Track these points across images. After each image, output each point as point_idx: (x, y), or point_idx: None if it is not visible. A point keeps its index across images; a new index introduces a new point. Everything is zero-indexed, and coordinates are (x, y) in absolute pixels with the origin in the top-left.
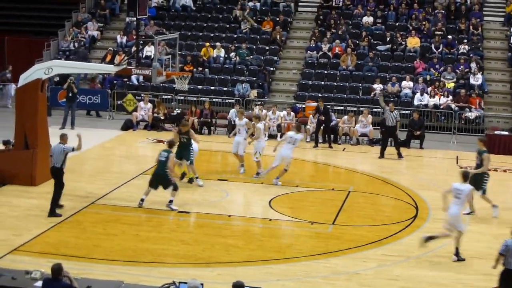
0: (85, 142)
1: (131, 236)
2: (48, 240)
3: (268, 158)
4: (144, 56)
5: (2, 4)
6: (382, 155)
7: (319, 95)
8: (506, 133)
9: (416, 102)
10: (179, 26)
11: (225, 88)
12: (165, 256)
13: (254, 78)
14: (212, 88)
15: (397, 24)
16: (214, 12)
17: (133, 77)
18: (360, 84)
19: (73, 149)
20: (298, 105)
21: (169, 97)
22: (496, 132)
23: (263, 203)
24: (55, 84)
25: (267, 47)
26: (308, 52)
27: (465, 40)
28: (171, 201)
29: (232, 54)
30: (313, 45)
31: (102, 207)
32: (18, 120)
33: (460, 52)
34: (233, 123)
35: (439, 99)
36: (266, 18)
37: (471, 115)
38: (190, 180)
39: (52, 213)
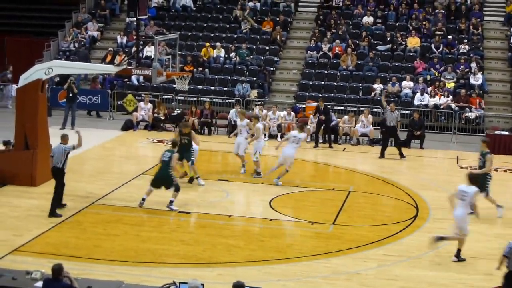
0: (85, 142)
1: (131, 237)
2: (48, 241)
3: (268, 158)
4: (144, 56)
5: (3, 5)
6: (382, 155)
7: (319, 95)
8: (506, 133)
9: (416, 102)
10: (179, 26)
11: (225, 88)
12: (166, 256)
13: (254, 78)
14: (212, 88)
15: (397, 24)
16: (214, 12)
17: (133, 78)
18: (360, 84)
19: (73, 147)
20: (298, 105)
21: (169, 97)
22: (496, 132)
23: (264, 203)
24: (56, 84)
25: (267, 47)
26: (308, 52)
27: (465, 40)
28: (171, 202)
29: (232, 54)
30: (313, 45)
31: (103, 208)
32: (18, 121)
33: (460, 52)
34: (233, 123)
35: (439, 99)
36: (266, 18)
37: (471, 115)
38: (190, 180)
39: (52, 213)
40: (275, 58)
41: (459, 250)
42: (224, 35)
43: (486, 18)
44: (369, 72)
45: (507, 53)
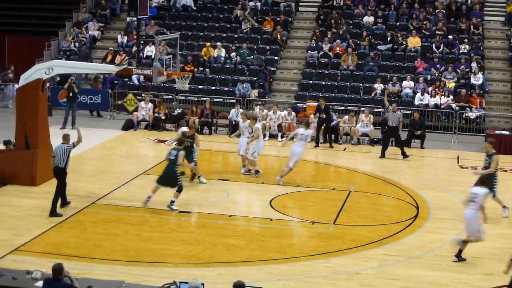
0: (86, 142)
1: (132, 236)
2: (49, 240)
3: (267, 158)
4: (144, 56)
5: (3, 4)
6: (383, 155)
7: (320, 95)
8: (507, 132)
9: (417, 102)
10: (180, 26)
11: (226, 88)
12: (166, 256)
13: (255, 78)
14: (213, 88)
15: (397, 23)
16: (215, 12)
17: (134, 77)
18: (361, 84)
19: (73, 145)
20: (299, 105)
21: (170, 97)
22: (496, 132)
23: (264, 203)
24: (57, 84)
25: (267, 47)
26: (309, 52)
27: (466, 40)
28: (172, 202)
29: (233, 54)
30: (314, 45)
31: (103, 207)
32: (18, 120)
33: (460, 51)
34: (233, 123)
35: (440, 98)
36: (266, 18)
37: (472, 114)
38: (192, 178)
39: (53, 213)
40: (276, 58)
41: (461, 251)
42: (224, 35)
43: (486, 18)
44: (370, 72)
45: (508, 53)
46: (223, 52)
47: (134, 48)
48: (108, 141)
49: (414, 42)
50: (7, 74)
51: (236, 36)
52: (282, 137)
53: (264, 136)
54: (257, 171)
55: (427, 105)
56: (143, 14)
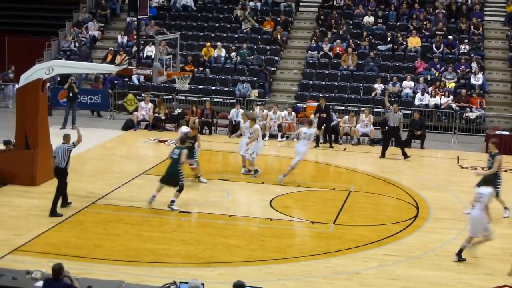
0: (86, 142)
1: (132, 236)
2: (49, 240)
3: (267, 158)
4: (145, 56)
5: (2, 4)
6: (383, 155)
7: (320, 95)
8: (507, 133)
9: (417, 102)
10: (180, 26)
11: (226, 88)
12: (166, 256)
13: (255, 78)
14: (213, 88)
15: (398, 24)
16: (215, 12)
17: (134, 77)
18: (361, 84)
19: (74, 145)
20: (299, 105)
21: (170, 97)
22: (497, 132)
23: (264, 203)
24: (57, 84)
25: (268, 47)
26: (309, 52)
27: (466, 40)
28: (172, 202)
29: (233, 54)
30: (314, 45)
31: (103, 207)
32: (18, 120)
33: (461, 52)
34: (234, 123)
35: (440, 99)
36: (267, 18)
37: (472, 115)
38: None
39: (53, 213)
40: (276, 58)
41: (461, 250)
42: (224, 35)
43: (486, 18)
44: (370, 72)
45: (508, 53)
46: (223, 52)
47: (134, 48)
48: (108, 141)
49: (414, 42)
50: (7, 74)
51: (236, 36)
52: (282, 137)
53: (264, 136)
54: (256, 171)
55: (427, 105)
56: (143, 14)
